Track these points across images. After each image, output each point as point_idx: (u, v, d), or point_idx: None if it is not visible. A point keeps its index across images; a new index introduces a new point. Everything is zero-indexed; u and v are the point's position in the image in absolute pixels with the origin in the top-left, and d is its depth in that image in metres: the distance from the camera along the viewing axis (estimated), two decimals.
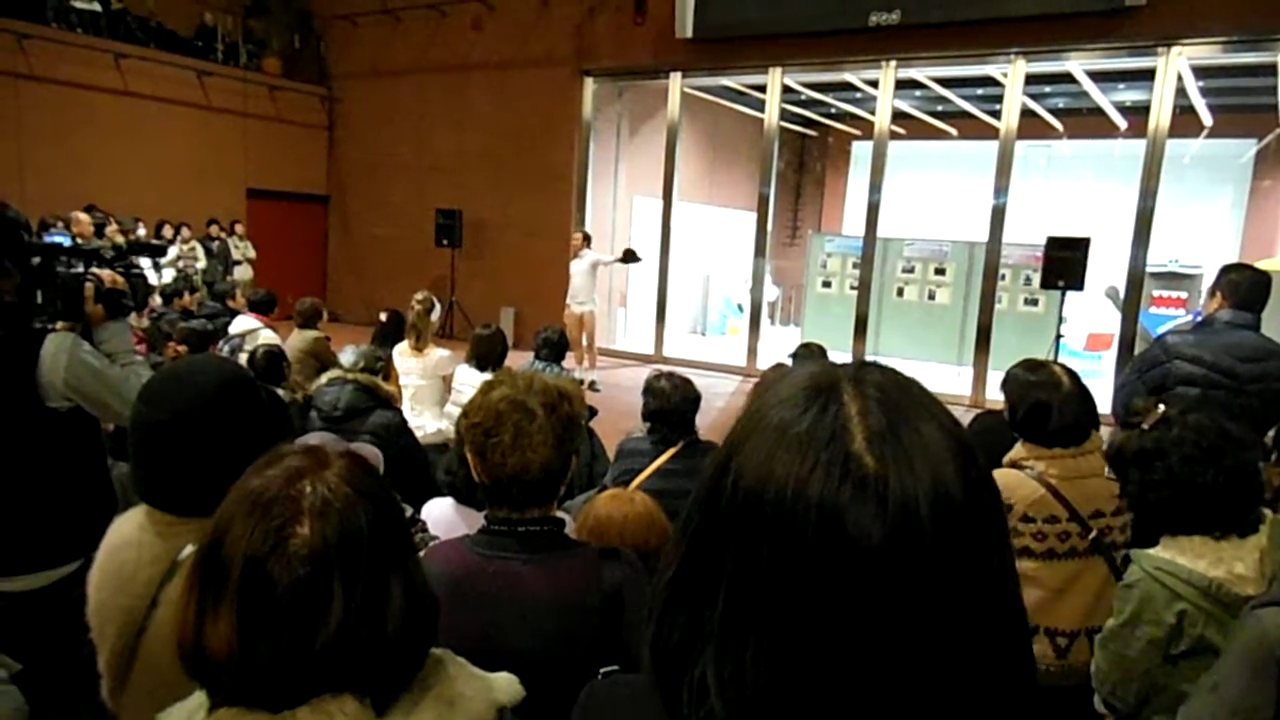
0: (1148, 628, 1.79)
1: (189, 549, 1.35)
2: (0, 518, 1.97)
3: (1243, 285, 3.24)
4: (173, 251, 10.63)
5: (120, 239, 9.17)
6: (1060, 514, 2.32)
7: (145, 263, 6.75)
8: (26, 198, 9.42)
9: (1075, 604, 2.29)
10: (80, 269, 2.21)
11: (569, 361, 9.71)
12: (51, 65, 10.90)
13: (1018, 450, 2.43)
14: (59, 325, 2.13)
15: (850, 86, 11.49)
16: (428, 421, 4.70)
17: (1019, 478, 2.37)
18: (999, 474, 2.41)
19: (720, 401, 8.74)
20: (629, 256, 9.77)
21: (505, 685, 1.02)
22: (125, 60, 11.68)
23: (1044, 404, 2.35)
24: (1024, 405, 2.39)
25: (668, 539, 1.98)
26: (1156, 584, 1.79)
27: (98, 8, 11.66)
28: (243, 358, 5.44)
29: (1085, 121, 12.57)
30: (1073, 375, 2.42)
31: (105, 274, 2.22)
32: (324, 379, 3.67)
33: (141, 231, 10.36)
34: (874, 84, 10.35)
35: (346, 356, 3.89)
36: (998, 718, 0.56)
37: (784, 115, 11.69)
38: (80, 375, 1.98)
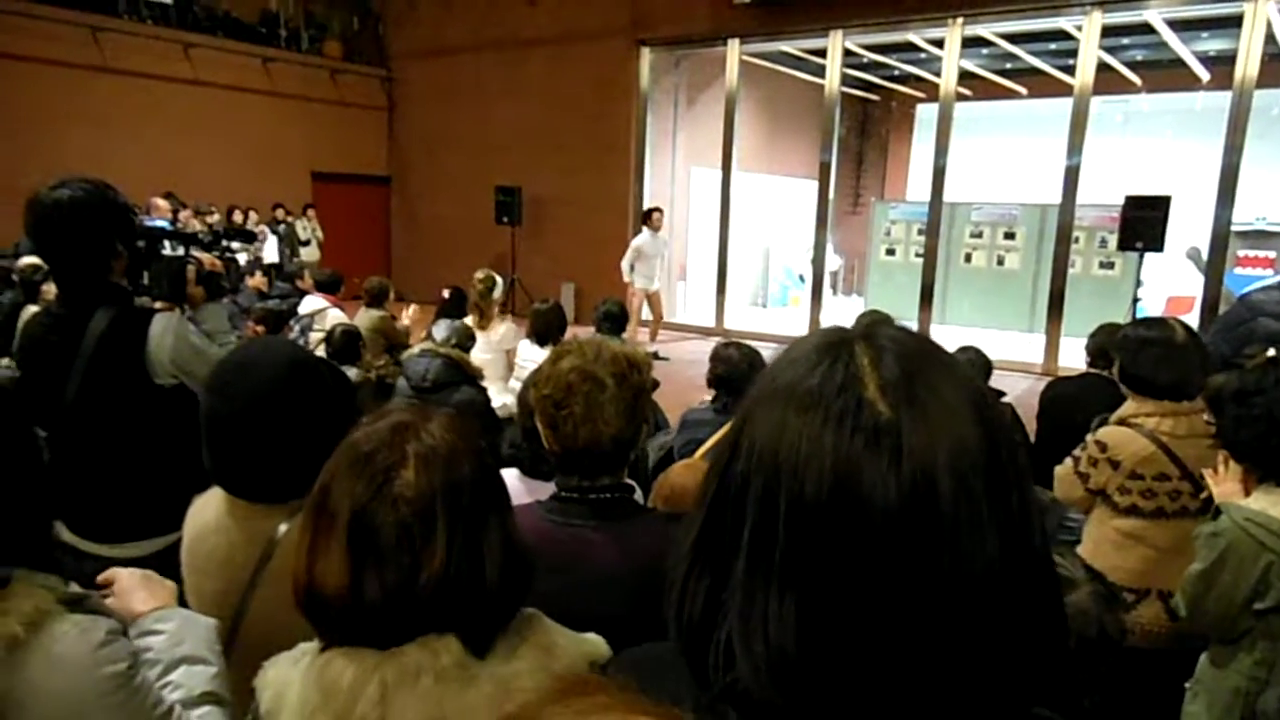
0: (1229, 576, 1.78)
1: (284, 527, 1.39)
2: (111, 487, 2.07)
3: None
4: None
5: (195, 224, 9.48)
6: (1171, 472, 2.26)
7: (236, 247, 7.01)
8: None
9: (1188, 566, 2.23)
10: (181, 252, 2.31)
11: (641, 335, 9.77)
12: (124, 57, 11.28)
13: (1128, 406, 2.38)
14: (159, 305, 2.23)
15: (913, 47, 11.15)
16: (493, 395, 4.77)
17: (1129, 434, 2.31)
18: (1109, 431, 2.37)
19: None
20: None
21: (596, 642, 1.06)
22: (194, 49, 12.01)
23: (1157, 355, 2.30)
24: (1136, 356, 2.35)
25: None
26: (1244, 534, 1.77)
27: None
28: (314, 336, 5.60)
29: (1165, 74, 11.97)
30: (1188, 329, 2.37)
31: (205, 258, 2.33)
32: (416, 349, 3.79)
33: (215, 216, 10.70)
34: (939, 44, 10.02)
35: (440, 331, 4.00)
36: (1028, 666, 0.54)
37: (845, 80, 11.41)
38: (185, 353, 2.07)
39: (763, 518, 0.55)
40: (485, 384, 4.81)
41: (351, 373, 4.18)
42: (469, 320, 5.05)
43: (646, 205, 10.93)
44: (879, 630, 0.51)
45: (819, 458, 0.53)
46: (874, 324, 0.61)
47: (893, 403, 0.53)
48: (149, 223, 3.38)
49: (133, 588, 1.25)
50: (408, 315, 5.54)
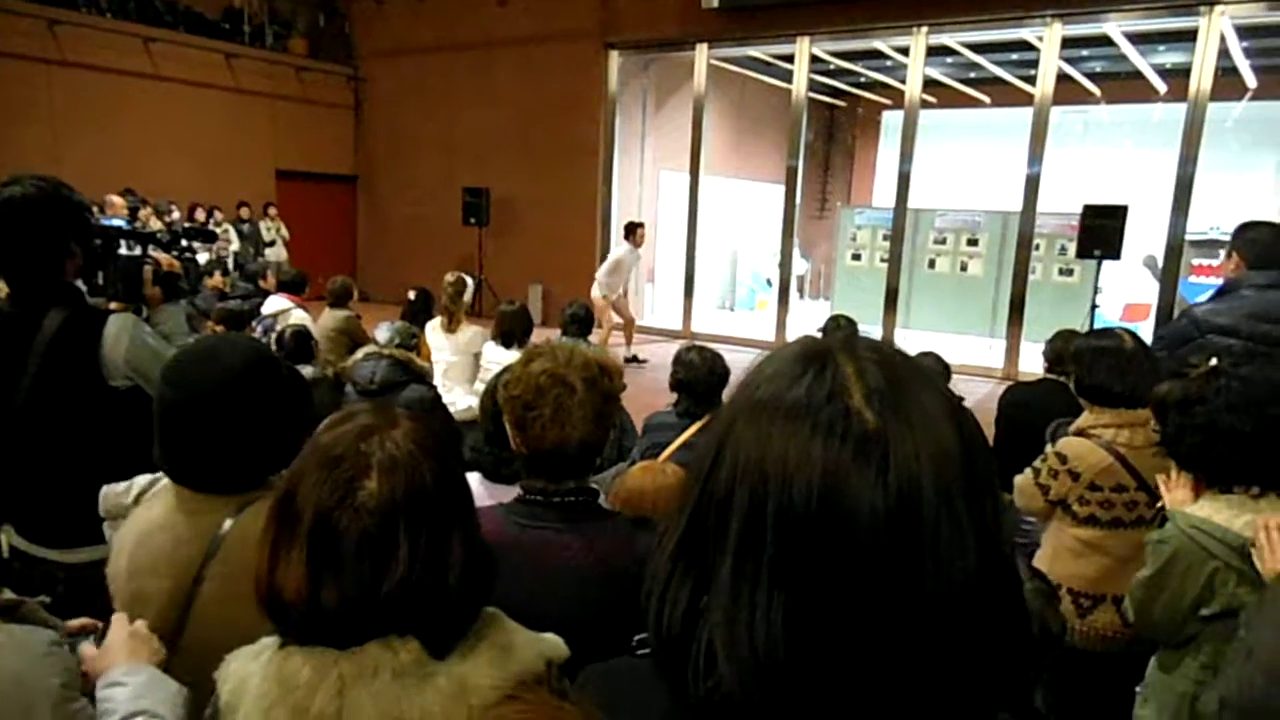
0: (1176, 583, 1.81)
1: (228, 523, 1.38)
2: (63, 491, 2.01)
3: (1261, 242, 2.95)
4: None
5: (155, 222, 9.29)
6: (1128, 483, 2.33)
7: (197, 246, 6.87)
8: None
9: None
10: (139, 252, 2.25)
11: (615, 340, 9.71)
12: (82, 50, 11.02)
13: (1086, 417, 2.45)
14: (114, 306, 2.17)
15: (880, 55, 11.28)
16: (459, 398, 4.74)
17: (1088, 446, 2.38)
18: (1068, 442, 2.43)
19: None
20: None
21: (554, 642, 1.06)
22: (154, 44, 11.78)
23: (1109, 364, 2.38)
24: (1090, 366, 2.43)
25: None
26: (1190, 542, 1.79)
27: None
28: (275, 337, 5.53)
29: (1124, 85, 12.25)
30: (1136, 337, 2.47)
31: (163, 258, 2.27)
32: (360, 354, 3.76)
33: (175, 214, 10.48)
34: (904, 51, 10.15)
35: (382, 333, 3.96)
36: (998, 669, 0.56)
37: (812, 86, 11.51)
38: (140, 355, 2.02)
39: (749, 525, 0.55)
40: (450, 386, 4.79)
41: (307, 370, 4.14)
42: (437, 321, 5.01)
43: (615, 208, 10.92)
44: (863, 634, 0.52)
45: (807, 467, 0.53)
46: (851, 335, 0.62)
47: (878, 411, 0.54)
48: (105, 221, 3.29)
49: (117, 646, 1.21)
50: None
